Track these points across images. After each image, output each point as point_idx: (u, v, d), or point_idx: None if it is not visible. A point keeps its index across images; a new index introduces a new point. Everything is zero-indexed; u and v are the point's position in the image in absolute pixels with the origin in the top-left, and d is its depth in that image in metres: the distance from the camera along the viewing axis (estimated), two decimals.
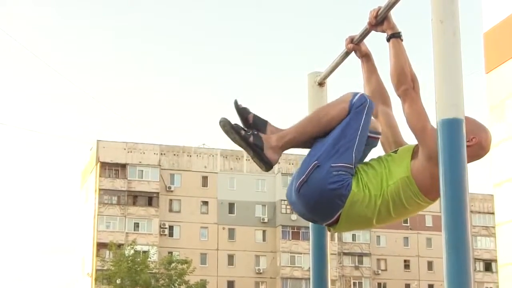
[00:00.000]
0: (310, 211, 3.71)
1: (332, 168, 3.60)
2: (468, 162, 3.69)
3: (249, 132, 3.73)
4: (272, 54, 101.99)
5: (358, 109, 3.66)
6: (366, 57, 4.06)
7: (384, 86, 4.06)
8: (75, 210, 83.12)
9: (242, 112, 3.85)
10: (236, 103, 3.88)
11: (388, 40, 3.70)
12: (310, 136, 3.72)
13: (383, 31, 3.74)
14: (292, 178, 3.79)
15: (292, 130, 3.72)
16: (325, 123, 3.68)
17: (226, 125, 3.72)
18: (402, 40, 3.69)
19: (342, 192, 3.58)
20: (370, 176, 3.65)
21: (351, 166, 3.63)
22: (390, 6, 3.62)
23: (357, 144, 3.66)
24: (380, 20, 3.72)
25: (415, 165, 3.59)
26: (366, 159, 3.84)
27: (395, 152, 3.75)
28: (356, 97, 3.68)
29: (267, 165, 3.74)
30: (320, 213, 3.69)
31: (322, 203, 3.62)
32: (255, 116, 3.85)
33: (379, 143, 4.01)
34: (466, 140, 3.63)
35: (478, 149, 3.66)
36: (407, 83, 3.59)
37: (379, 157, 3.81)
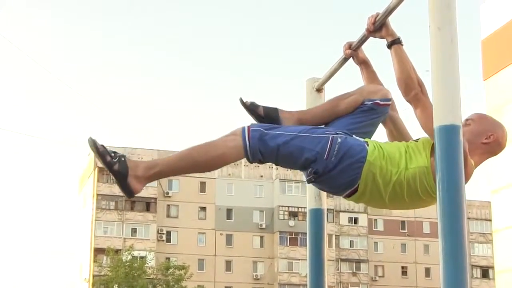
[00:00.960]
0: (330, 188, 3.77)
1: (328, 159, 3.61)
2: (485, 159, 3.74)
3: (116, 158, 3.69)
4: (270, 60, 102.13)
5: (262, 140, 3.65)
6: (364, 64, 4.06)
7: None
8: (73, 215, 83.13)
9: (251, 108, 3.85)
10: (241, 100, 3.87)
11: (389, 47, 3.71)
12: (181, 172, 3.72)
13: (382, 38, 3.74)
14: None
15: (163, 163, 3.70)
16: (205, 162, 3.67)
17: (92, 148, 3.70)
18: (402, 45, 3.70)
19: (358, 155, 3.62)
20: (388, 152, 3.67)
21: (327, 134, 3.66)
22: (389, 12, 3.63)
23: (301, 132, 3.68)
24: (378, 27, 3.73)
25: (434, 161, 3.60)
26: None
27: (416, 141, 3.76)
28: (247, 140, 3.66)
29: (128, 194, 3.69)
30: (340, 187, 3.71)
31: (343, 176, 3.65)
32: (265, 108, 3.85)
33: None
34: (484, 138, 3.68)
35: (495, 146, 3.74)
36: (415, 88, 3.59)
37: (401, 142, 3.82)
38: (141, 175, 3.67)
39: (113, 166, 3.66)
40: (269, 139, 3.66)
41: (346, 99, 3.82)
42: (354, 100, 3.81)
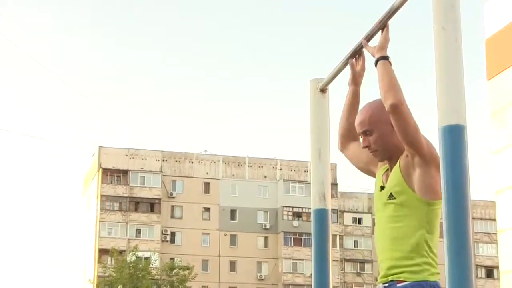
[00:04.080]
0: None
1: None
2: None
3: None
4: (274, 60, 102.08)
5: None
6: (355, 84, 4.03)
7: (352, 113, 4.04)
8: (77, 217, 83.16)
9: None
10: None
11: (376, 63, 3.68)
12: None
13: (373, 55, 3.73)
14: None
15: None
16: None
17: None
18: (390, 64, 3.67)
19: None
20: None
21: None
22: (392, 12, 3.61)
23: None
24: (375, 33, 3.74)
25: (416, 182, 3.60)
26: None
27: (391, 197, 3.70)
28: None
29: None
30: None
31: None
32: None
33: (358, 167, 4.03)
34: (390, 125, 3.68)
35: None
36: (397, 98, 3.52)
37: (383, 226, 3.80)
38: None
39: None
40: None
41: None
42: None
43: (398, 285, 3.60)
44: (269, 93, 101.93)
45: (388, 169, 3.79)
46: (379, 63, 3.66)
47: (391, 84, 3.57)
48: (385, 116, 3.66)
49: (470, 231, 2.85)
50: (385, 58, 3.67)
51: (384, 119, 3.68)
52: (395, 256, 3.65)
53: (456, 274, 2.80)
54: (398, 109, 3.51)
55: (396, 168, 3.68)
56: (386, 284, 3.66)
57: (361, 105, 3.95)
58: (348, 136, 4.04)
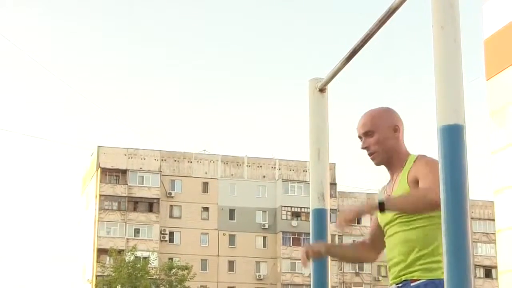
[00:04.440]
0: None
1: None
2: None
3: None
4: (274, 60, 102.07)
5: None
6: (333, 248, 4.06)
7: (358, 246, 4.10)
8: (76, 216, 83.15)
9: None
10: None
11: (382, 210, 3.51)
12: None
13: (369, 212, 3.61)
14: None
15: None
16: None
17: None
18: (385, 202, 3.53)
19: None
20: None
21: None
22: (391, 12, 3.59)
23: None
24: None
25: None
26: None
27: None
28: None
29: None
30: None
31: None
32: None
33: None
34: (393, 131, 3.73)
35: (402, 128, 3.79)
36: (431, 205, 3.39)
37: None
38: None
39: None
40: None
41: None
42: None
43: (411, 284, 3.58)
44: (268, 93, 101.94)
45: (389, 181, 3.80)
46: (385, 208, 3.49)
47: (414, 203, 3.49)
48: (387, 122, 3.71)
49: (469, 231, 2.85)
50: (381, 204, 3.50)
51: (386, 124, 3.70)
52: (410, 257, 3.62)
53: (455, 274, 2.80)
54: (437, 202, 3.23)
55: (403, 180, 3.66)
56: (400, 284, 3.64)
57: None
58: (372, 247, 4.08)
